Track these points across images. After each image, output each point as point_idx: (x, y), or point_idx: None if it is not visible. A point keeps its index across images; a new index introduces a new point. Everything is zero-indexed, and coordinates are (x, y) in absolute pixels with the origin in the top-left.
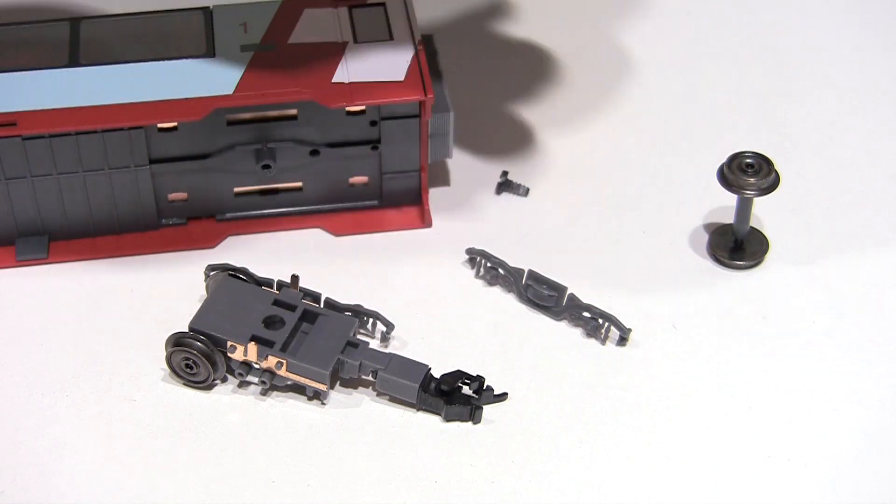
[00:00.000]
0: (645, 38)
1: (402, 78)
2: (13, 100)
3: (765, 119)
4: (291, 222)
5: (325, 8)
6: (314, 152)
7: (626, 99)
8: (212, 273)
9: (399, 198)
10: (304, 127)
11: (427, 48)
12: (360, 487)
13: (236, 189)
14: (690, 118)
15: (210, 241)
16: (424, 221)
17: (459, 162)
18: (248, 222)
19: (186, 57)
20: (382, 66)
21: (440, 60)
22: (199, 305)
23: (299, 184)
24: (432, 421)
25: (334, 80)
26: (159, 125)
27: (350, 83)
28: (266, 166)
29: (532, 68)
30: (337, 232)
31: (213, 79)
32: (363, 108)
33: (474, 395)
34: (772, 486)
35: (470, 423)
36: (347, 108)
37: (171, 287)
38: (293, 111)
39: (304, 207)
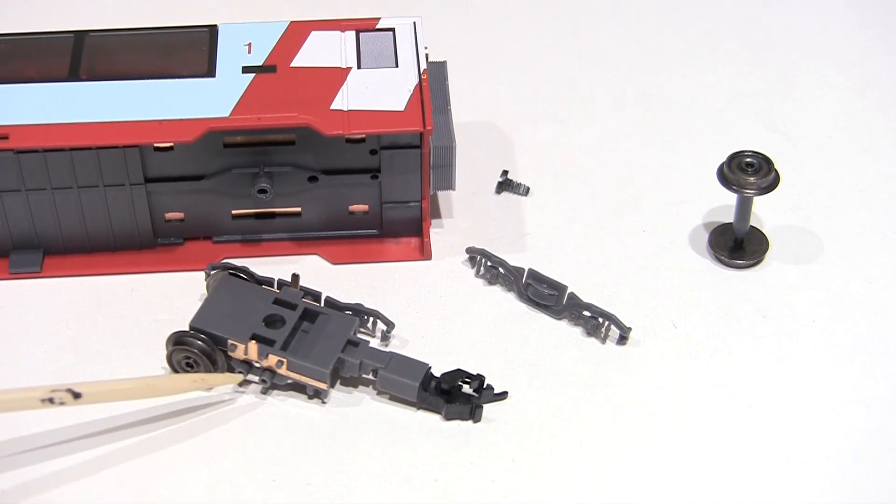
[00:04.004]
0: (645, 38)
1: (402, 108)
2: (8, 112)
3: (765, 119)
4: (289, 248)
5: (333, 31)
6: (312, 179)
7: (627, 99)
8: (212, 272)
9: (400, 228)
10: (303, 153)
11: (437, 75)
12: (361, 486)
13: (234, 211)
14: (690, 118)
15: (206, 263)
16: (424, 254)
17: (460, 161)
18: (246, 245)
19: (187, 76)
20: (383, 94)
21: (451, 88)
22: (199, 304)
23: (298, 209)
24: (432, 420)
25: (332, 106)
26: (155, 144)
27: (348, 111)
28: (262, 191)
29: (533, 68)
30: (334, 261)
31: (211, 100)
32: (363, 136)
33: (474, 393)
34: (771, 484)
35: (470, 422)
36: (346, 136)
37: (171, 286)
38: (291, 136)
39: (302, 233)
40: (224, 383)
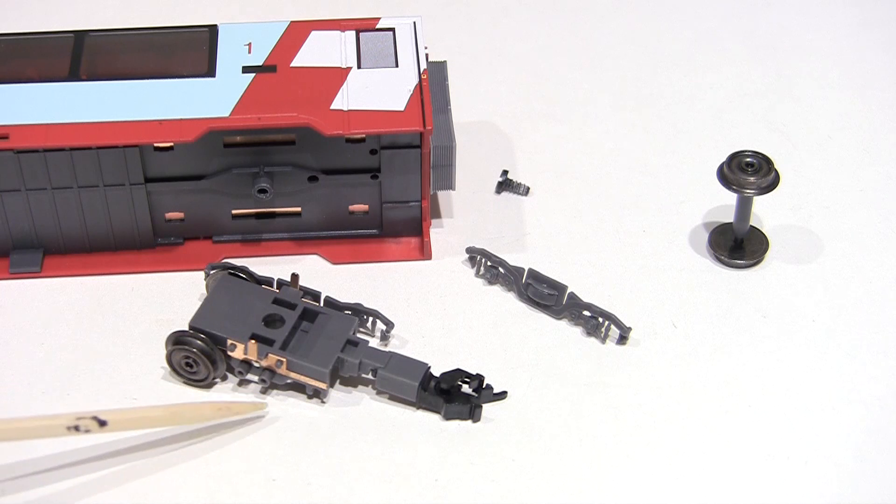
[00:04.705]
0: (645, 38)
1: (402, 107)
2: (8, 112)
3: (765, 119)
4: (289, 248)
5: (333, 31)
6: (312, 178)
7: (627, 99)
8: (212, 272)
9: (400, 227)
10: (303, 153)
11: (437, 75)
12: (360, 486)
13: (234, 211)
14: (690, 118)
15: (206, 263)
16: (424, 254)
17: (460, 161)
18: (246, 245)
19: (187, 76)
20: (383, 94)
21: (451, 88)
22: (199, 304)
23: (298, 209)
24: (432, 419)
25: (332, 106)
26: (155, 144)
27: (348, 111)
28: (262, 191)
29: (533, 68)
30: (334, 260)
31: (211, 100)
32: (363, 136)
33: (474, 393)
34: (771, 484)
35: (469, 422)
36: (346, 136)
37: (171, 286)
38: (292, 136)
39: (302, 233)
40: (249, 412)
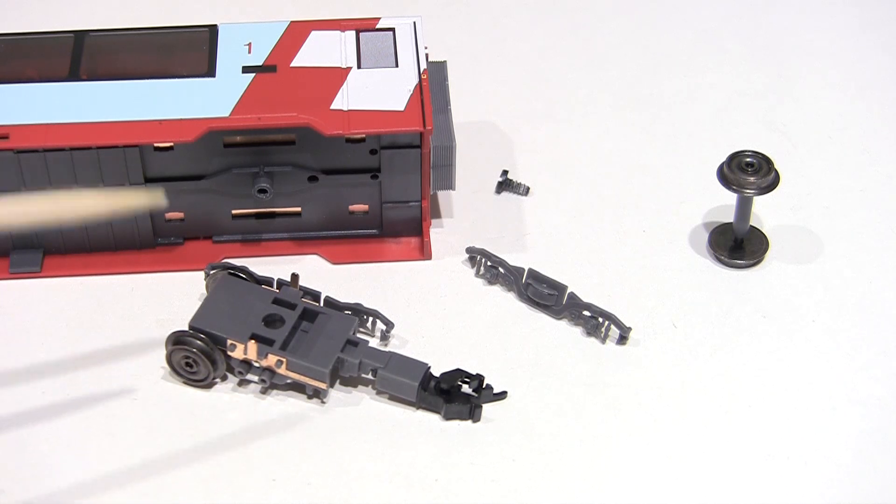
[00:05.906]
0: (645, 38)
1: (402, 107)
2: (8, 112)
3: (765, 119)
4: (289, 248)
5: (333, 31)
6: (312, 178)
7: (627, 99)
8: (212, 272)
9: (400, 227)
10: (303, 153)
11: (437, 75)
12: (360, 486)
13: (234, 211)
14: (690, 118)
15: (205, 263)
16: (424, 254)
17: (460, 160)
18: (245, 245)
19: (187, 76)
20: (383, 94)
21: (451, 88)
22: (199, 304)
23: (298, 209)
24: (432, 419)
25: (332, 106)
26: (155, 144)
27: (348, 111)
28: (262, 191)
29: (533, 68)
30: (334, 260)
31: (211, 100)
32: (363, 136)
33: (474, 393)
34: (771, 484)
35: (469, 422)
36: (347, 136)
37: (171, 286)
38: (292, 136)
39: (302, 233)
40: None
